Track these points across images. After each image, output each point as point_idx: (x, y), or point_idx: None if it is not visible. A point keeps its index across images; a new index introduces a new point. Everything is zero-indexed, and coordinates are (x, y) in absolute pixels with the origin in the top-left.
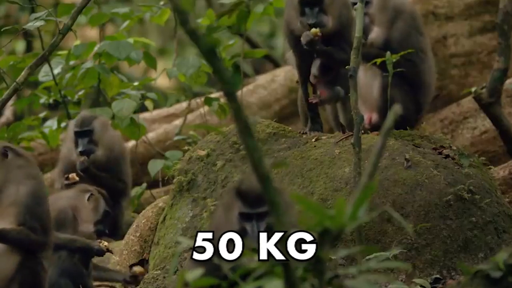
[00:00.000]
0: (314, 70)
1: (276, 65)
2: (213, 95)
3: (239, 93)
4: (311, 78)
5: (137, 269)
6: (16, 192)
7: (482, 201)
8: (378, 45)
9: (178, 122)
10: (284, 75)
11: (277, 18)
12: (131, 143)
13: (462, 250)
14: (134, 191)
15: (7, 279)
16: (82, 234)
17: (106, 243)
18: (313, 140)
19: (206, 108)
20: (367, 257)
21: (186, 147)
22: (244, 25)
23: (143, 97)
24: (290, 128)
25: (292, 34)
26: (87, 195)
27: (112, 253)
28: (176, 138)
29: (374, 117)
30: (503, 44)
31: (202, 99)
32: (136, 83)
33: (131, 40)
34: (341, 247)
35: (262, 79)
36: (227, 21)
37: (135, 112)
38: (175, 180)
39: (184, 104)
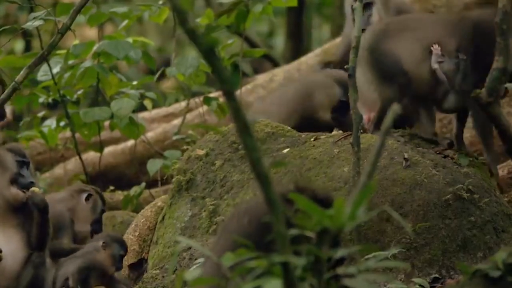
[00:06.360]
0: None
1: (275, 64)
2: (212, 95)
3: (238, 92)
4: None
5: None
6: None
7: (481, 201)
8: None
9: (177, 121)
10: (283, 75)
11: (276, 18)
12: (130, 143)
13: (461, 250)
14: (133, 191)
15: (14, 275)
16: (79, 235)
17: None
18: (312, 139)
19: (205, 107)
20: (366, 257)
21: (185, 147)
22: (243, 25)
23: (142, 97)
24: (288, 128)
25: None
26: (84, 195)
27: None
28: (175, 137)
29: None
30: (502, 44)
31: (201, 98)
32: (135, 83)
33: (130, 39)
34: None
35: (261, 78)
36: (226, 20)
37: (134, 111)
38: (174, 179)
39: (183, 104)
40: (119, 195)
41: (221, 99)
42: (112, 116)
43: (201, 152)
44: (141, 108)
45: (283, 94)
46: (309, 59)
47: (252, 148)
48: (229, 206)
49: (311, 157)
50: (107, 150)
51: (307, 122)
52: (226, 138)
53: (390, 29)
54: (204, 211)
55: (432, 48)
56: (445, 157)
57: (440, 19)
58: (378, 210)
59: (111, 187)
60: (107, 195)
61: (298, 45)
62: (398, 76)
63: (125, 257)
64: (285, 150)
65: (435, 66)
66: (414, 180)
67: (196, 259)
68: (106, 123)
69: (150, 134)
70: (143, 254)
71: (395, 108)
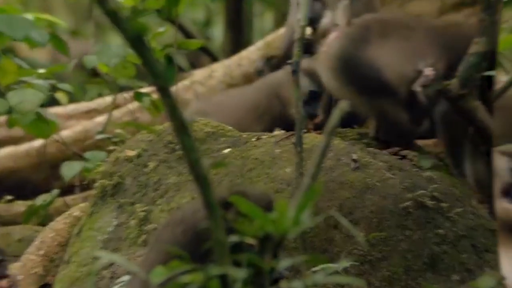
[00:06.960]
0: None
1: (214, 58)
2: (143, 90)
3: (174, 89)
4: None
5: None
6: None
7: (452, 211)
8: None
9: (101, 118)
10: (223, 70)
11: (213, 4)
12: (37, 143)
13: (428, 268)
14: (40, 200)
15: None
16: None
17: None
18: (254, 139)
19: (135, 104)
20: (313, 269)
21: (111, 147)
22: (175, 10)
23: (54, 88)
24: (229, 128)
25: None
26: None
27: None
28: (98, 136)
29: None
30: (487, 21)
31: (131, 93)
32: (42, 70)
33: (29, 15)
34: (284, 256)
35: (198, 74)
36: (155, 3)
37: (42, 105)
38: (97, 184)
39: (108, 99)
40: (19, 205)
41: (154, 95)
42: (10, 111)
43: (131, 153)
44: (54, 102)
45: (241, 99)
46: (251, 53)
47: (190, 148)
48: (163, 212)
49: (252, 157)
50: (4, 151)
51: (278, 122)
52: (161, 138)
53: (370, 34)
54: (133, 219)
55: (424, 70)
56: (402, 158)
57: (431, 31)
58: (324, 215)
59: (8, 197)
60: (2, 206)
61: (238, 36)
62: (383, 87)
63: (23, 283)
64: (226, 150)
65: (418, 88)
66: (364, 184)
67: (118, 278)
68: (2, 118)
69: (66, 133)
70: (48, 278)
71: (343, 106)
